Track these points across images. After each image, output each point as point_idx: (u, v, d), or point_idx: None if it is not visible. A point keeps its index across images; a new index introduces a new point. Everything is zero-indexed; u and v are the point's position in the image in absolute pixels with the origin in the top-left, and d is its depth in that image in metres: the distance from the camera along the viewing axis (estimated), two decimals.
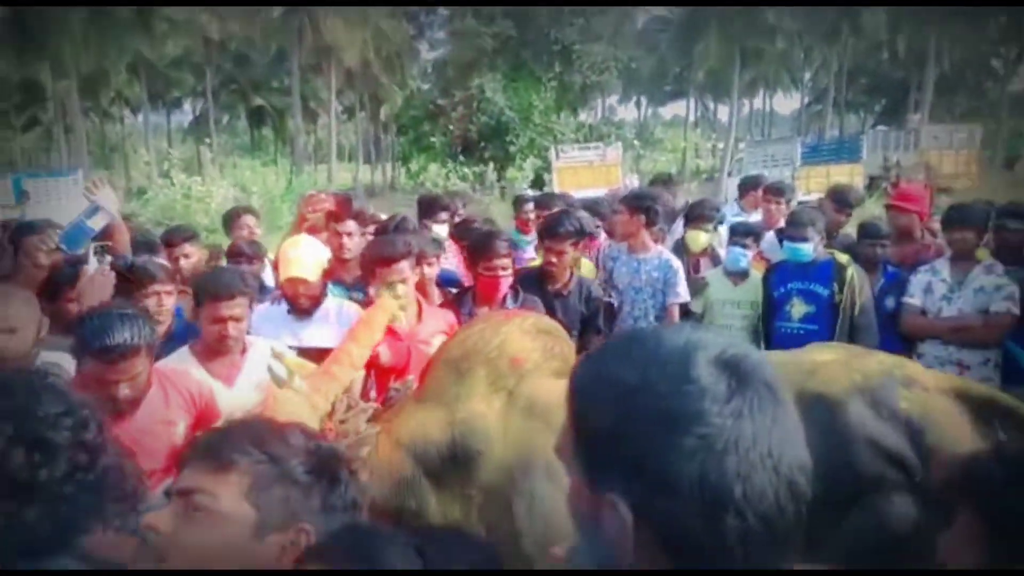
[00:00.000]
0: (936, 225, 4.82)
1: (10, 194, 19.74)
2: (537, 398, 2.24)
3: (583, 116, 33.05)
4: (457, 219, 5.52)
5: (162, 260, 3.84)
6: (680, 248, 4.95)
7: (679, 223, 5.49)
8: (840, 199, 5.30)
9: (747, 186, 6.52)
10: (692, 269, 4.78)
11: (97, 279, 2.88)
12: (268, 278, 4.07)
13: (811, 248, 4.02)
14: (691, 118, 51.11)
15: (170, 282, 3.33)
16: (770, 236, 4.93)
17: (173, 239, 4.32)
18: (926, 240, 4.77)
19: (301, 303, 3.25)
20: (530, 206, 5.79)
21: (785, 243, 4.17)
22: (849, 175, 19.31)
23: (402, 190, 30.68)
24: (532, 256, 4.88)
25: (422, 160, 27.79)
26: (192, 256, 4.26)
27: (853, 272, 4.02)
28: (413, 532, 0.96)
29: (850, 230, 5.22)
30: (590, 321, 3.70)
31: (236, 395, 2.74)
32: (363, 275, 3.13)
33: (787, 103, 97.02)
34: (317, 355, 2.66)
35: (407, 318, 3.10)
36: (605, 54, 28.61)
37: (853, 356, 2.28)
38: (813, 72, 46.04)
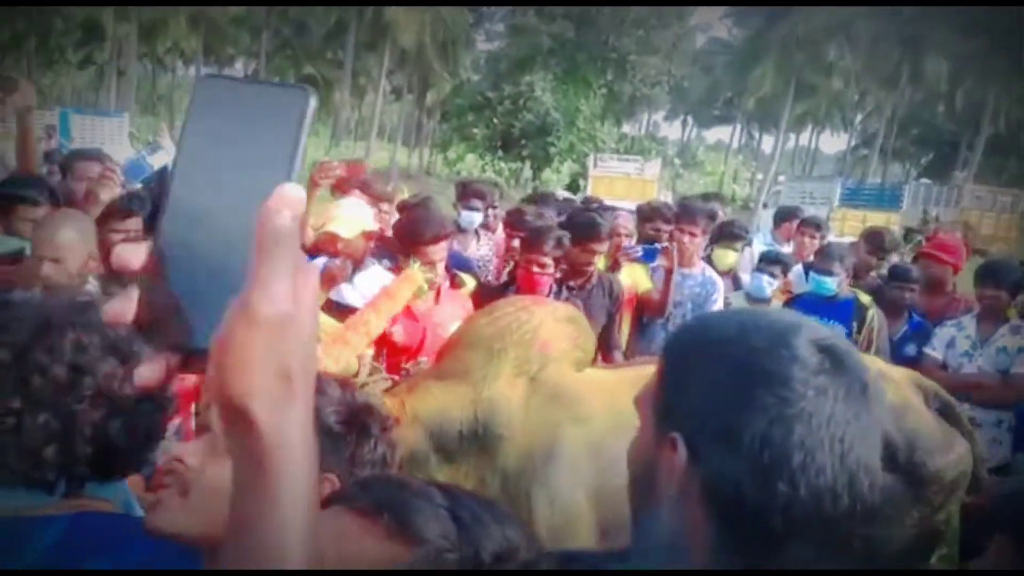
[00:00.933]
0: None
1: (55, 127, 20.08)
2: (564, 387, 2.23)
3: (626, 127, 33.04)
4: (491, 210, 5.54)
5: None
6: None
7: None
8: (874, 241, 5.26)
9: (783, 217, 6.47)
10: None
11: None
12: None
13: (835, 283, 4.01)
14: (734, 144, 50.79)
15: None
16: (797, 269, 4.91)
17: None
18: (956, 294, 4.72)
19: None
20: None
21: (811, 274, 4.16)
22: (886, 223, 19.08)
23: (437, 176, 30.80)
24: None
25: (462, 149, 27.92)
26: None
27: (874, 314, 4.00)
28: (444, 493, 0.90)
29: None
30: (613, 316, 3.68)
31: None
32: (400, 247, 3.13)
33: (833, 142, 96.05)
34: (340, 314, 2.70)
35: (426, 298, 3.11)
36: (659, 68, 28.60)
37: None
38: (864, 115, 45.53)
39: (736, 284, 4.89)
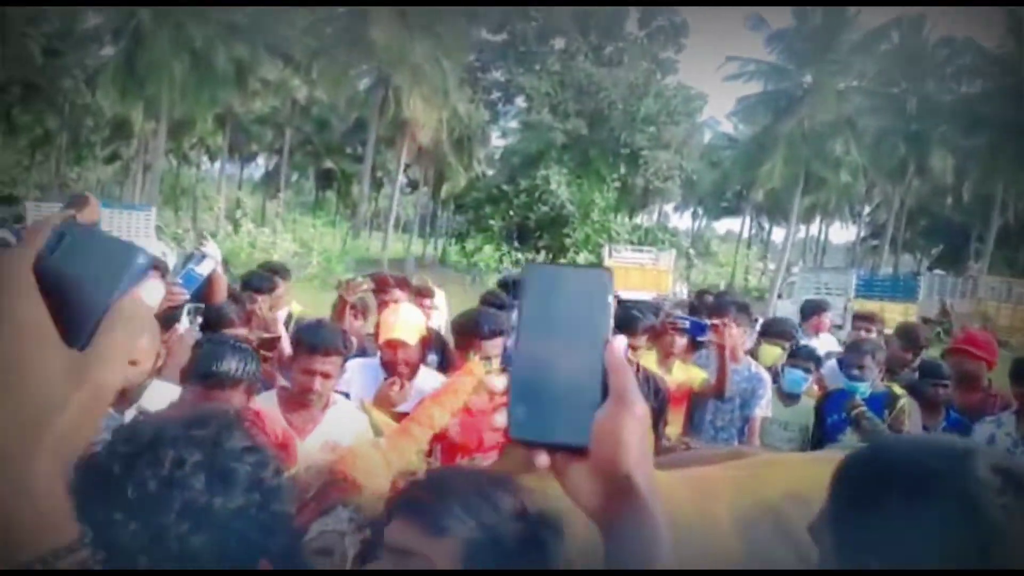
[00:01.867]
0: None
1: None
2: None
3: (639, 219, 33.58)
4: None
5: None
6: None
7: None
8: (908, 337, 5.25)
9: (810, 311, 6.47)
10: None
11: (185, 339, 3.02)
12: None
13: (867, 387, 4.03)
14: (744, 234, 51.37)
15: (244, 325, 3.46)
16: (831, 364, 4.91)
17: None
18: (992, 389, 4.70)
19: (400, 369, 3.24)
20: None
21: (843, 373, 4.16)
22: (904, 313, 19.12)
23: (452, 266, 31.26)
24: None
25: (479, 240, 28.37)
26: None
27: (905, 402, 4.01)
28: None
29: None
30: (659, 415, 3.71)
31: (304, 449, 2.76)
32: (457, 342, 3.19)
33: (842, 233, 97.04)
34: (397, 417, 2.75)
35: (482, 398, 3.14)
36: (671, 162, 29.25)
37: None
38: (873, 207, 46.13)
39: (775, 379, 4.91)
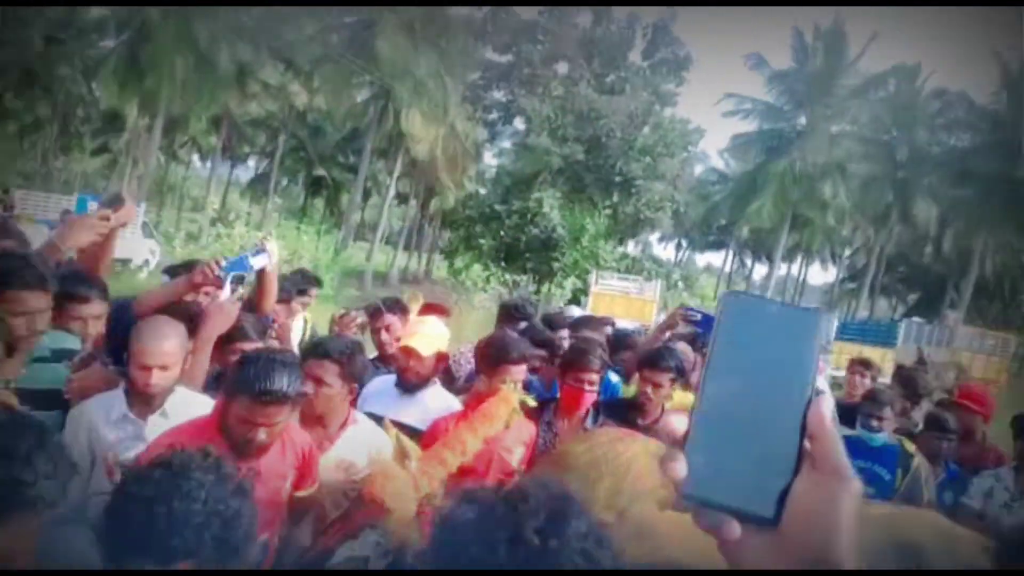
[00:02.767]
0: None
1: (71, 212, 20.40)
2: (648, 527, 2.25)
3: (627, 247, 33.83)
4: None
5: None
6: None
7: None
8: (908, 385, 5.29)
9: None
10: None
11: (226, 306, 2.92)
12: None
13: (886, 436, 4.09)
14: (726, 269, 51.87)
15: (259, 339, 3.42)
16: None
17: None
18: (987, 443, 4.79)
19: (409, 376, 3.25)
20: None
21: (860, 422, 4.19)
22: (880, 358, 19.31)
23: (438, 281, 31.22)
24: None
25: (468, 258, 28.40)
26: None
27: (919, 463, 4.04)
28: None
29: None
30: None
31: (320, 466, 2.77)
32: (482, 367, 3.18)
33: (820, 275, 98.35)
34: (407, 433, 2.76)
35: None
36: (664, 193, 29.55)
37: None
38: (853, 251, 46.77)
39: None
